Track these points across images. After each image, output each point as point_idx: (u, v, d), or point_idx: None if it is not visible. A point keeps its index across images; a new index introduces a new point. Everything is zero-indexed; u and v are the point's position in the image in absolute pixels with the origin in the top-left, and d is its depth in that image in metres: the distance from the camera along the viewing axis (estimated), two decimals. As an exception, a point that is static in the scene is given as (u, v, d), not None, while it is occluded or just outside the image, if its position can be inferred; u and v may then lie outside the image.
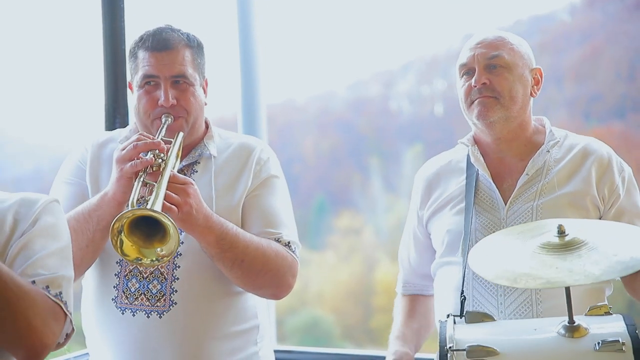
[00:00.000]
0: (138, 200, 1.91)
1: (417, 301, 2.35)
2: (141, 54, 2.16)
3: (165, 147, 2.00)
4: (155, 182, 1.90)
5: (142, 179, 1.93)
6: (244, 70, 3.96)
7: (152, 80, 2.14)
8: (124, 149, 1.98)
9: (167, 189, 1.89)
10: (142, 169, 1.93)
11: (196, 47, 2.22)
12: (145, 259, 1.85)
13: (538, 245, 1.62)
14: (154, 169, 1.94)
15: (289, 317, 4.65)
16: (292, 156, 4.80)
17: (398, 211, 2.28)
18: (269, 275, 2.08)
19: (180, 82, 2.14)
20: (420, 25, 4.34)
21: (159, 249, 1.83)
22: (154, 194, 1.86)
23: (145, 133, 2.06)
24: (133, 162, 1.93)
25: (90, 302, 2.21)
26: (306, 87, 4.79)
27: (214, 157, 2.21)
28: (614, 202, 2.09)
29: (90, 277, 2.20)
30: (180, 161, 2.19)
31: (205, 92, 2.28)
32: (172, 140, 2.10)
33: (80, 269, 2.10)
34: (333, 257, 4.77)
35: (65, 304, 1.67)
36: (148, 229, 1.84)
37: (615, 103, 4.15)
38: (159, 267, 2.10)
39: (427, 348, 2.48)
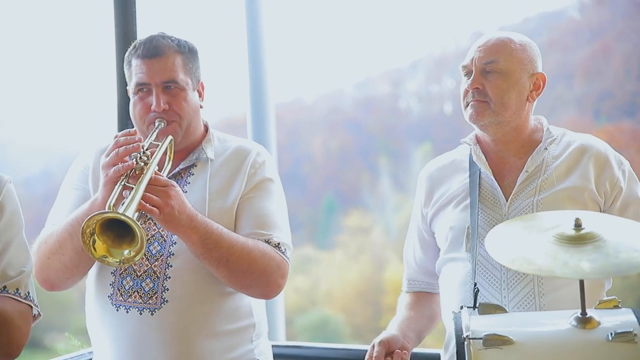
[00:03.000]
0: (116, 203, 1.96)
1: (420, 296, 2.40)
2: (134, 62, 2.26)
3: (149, 151, 2.06)
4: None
5: (122, 183, 2.00)
6: (253, 69, 4.01)
7: (144, 87, 2.23)
8: (108, 155, 2.06)
9: (148, 192, 1.97)
10: (124, 173, 2.00)
11: (187, 52, 2.28)
12: (110, 258, 1.91)
13: (552, 235, 1.65)
14: (137, 172, 2.01)
15: (298, 317, 4.70)
16: (301, 155, 4.85)
17: (407, 210, 2.32)
18: (255, 275, 2.12)
19: (171, 87, 2.22)
20: (429, 23, 4.38)
21: (126, 252, 1.89)
22: (129, 197, 1.92)
23: (126, 135, 2.10)
24: (116, 167, 2.01)
25: (91, 299, 2.29)
26: (314, 85, 4.84)
27: (210, 160, 2.28)
28: (616, 195, 2.15)
29: (90, 275, 2.27)
30: (178, 164, 2.27)
31: (201, 95, 2.35)
32: (159, 144, 2.16)
33: (79, 271, 2.19)
34: (342, 256, 4.81)
35: (33, 300, 1.79)
36: (120, 230, 1.90)
37: (625, 101, 4.17)
38: (152, 266, 2.17)
39: (434, 344, 2.52)
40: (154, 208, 1.97)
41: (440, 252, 2.27)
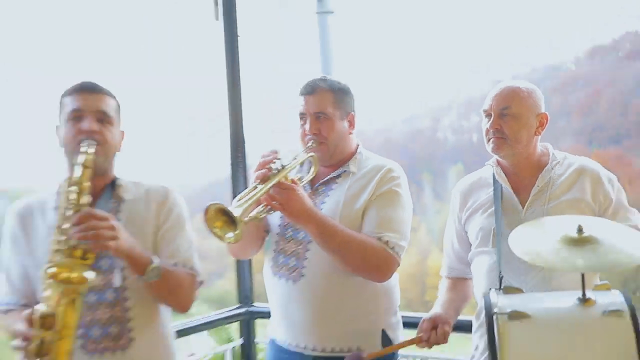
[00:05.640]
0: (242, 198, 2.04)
1: (457, 281, 2.51)
2: (299, 98, 2.44)
3: (287, 162, 2.16)
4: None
5: (255, 185, 2.09)
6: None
7: (303, 116, 2.34)
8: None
9: (274, 192, 2.10)
10: (260, 177, 2.11)
11: (337, 90, 2.34)
12: (216, 229, 1.95)
13: (560, 236, 1.73)
14: (270, 178, 2.10)
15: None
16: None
17: (445, 214, 2.50)
18: (364, 263, 2.20)
19: (321, 117, 2.31)
20: (460, 72, 4.83)
21: (229, 234, 1.94)
22: (247, 197, 2.01)
23: (271, 151, 2.26)
24: (256, 173, 2.14)
25: (266, 266, 2.49)
26: (372, 121, 5.26)
27: (352, 173, 2.33)
28: (608, 204, 2.27)
29: (266, 247, 2.40)
30: (329, 174, 2.35)
31: (351, 124, 2.37)
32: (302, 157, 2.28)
33: (251, 246, 2.37)
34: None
35: (198, 272, 2.03)
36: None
37: (612, 132, 4.49)
38: (297, 248, 2.30)
39: (466, 311, 2.58)
40: (277, 205, 2.18)
41: (472, 247, 2.41)
